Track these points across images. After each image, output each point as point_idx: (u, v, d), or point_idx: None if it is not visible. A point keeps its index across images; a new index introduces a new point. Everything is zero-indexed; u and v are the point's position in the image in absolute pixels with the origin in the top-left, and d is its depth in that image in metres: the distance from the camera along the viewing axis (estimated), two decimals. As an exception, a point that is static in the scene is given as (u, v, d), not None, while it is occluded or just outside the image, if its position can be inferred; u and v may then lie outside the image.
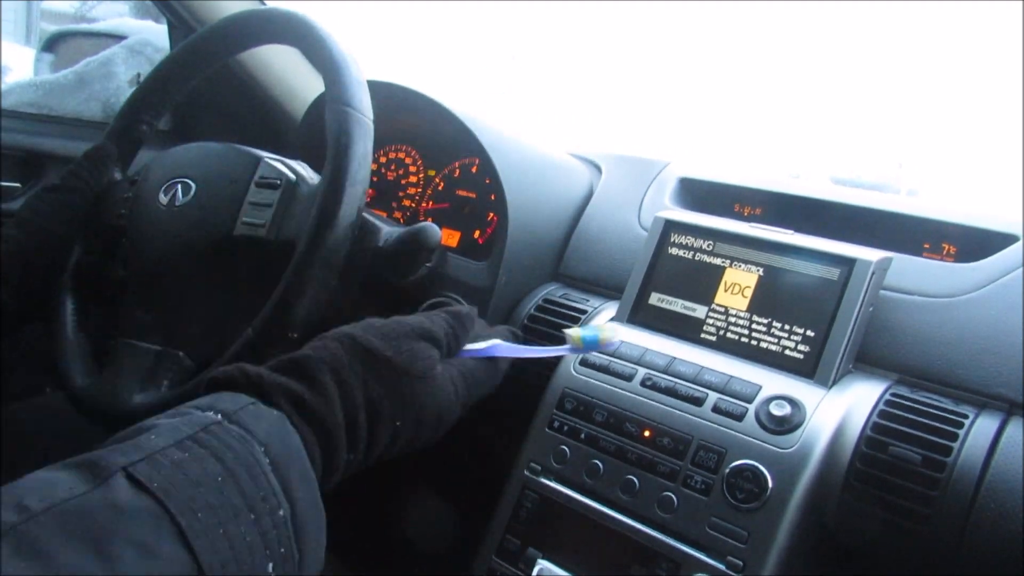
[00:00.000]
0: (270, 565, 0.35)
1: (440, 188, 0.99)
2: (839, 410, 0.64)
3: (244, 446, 0.36)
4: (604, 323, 0.61)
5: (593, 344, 0.61)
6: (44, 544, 0.28)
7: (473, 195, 0.96)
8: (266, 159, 0.68)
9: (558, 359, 0.76)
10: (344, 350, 0.46)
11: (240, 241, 0.66)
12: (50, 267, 0.74)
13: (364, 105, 0.64)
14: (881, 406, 0.64)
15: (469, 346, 0.56)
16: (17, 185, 1.05)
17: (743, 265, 0.73)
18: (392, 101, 0.92)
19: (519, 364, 0.82)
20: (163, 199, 0.70)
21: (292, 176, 0.67)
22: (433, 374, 0.50)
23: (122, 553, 0.29)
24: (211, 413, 0.37)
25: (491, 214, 0.94)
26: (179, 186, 0.69)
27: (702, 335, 0.74)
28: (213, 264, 0.69)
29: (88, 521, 0.29)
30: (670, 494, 0.65)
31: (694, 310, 0.75)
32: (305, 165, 0.71)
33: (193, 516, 0.32)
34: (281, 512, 0.36)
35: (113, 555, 0.29)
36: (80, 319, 0.75)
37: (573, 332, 0.61)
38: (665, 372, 0.70)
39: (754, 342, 0.71)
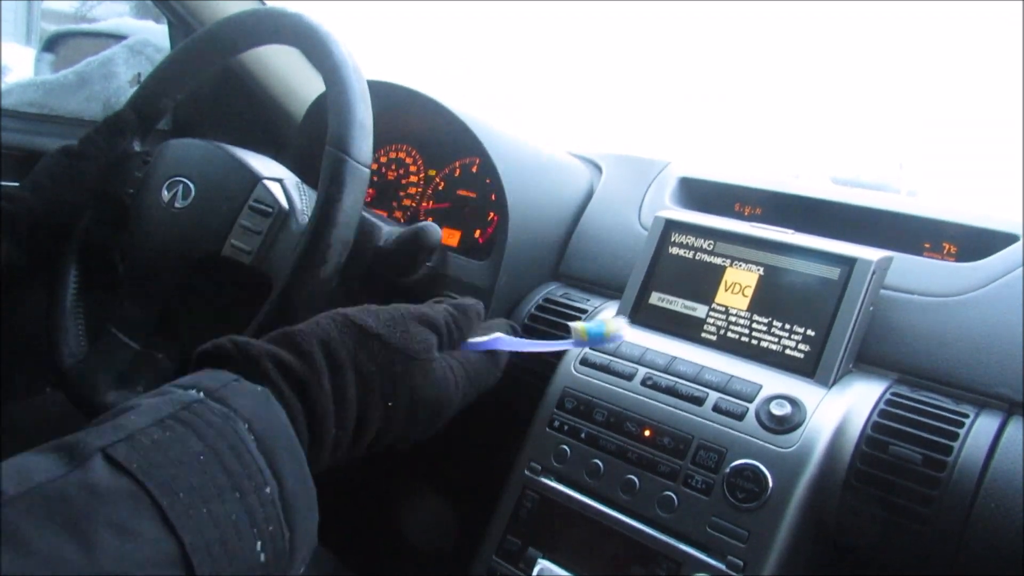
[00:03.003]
0: (259, 544, 0.34)
1: (440, 188, 1.00)
2: (839, 410, 0.64)
3: (227, 423, 0.35)
4: (609, 316, 0.59)
5: (599, 338, 0.58)
6: (20, 529, 0.27)
7: (473, 195, 0.96)
8: (264, 182, 0.67)
9: (559, 355, 0.77)
10: (336, 326, 0.45)
11: (226, 262, 0.66)
12: (58, 231, 0.74)
13: (362, 153, 0.63)
14: (881, 405, 0.64)
15: (470, 339, 0.55)
16: (17, 185, 1.05)
17: (743, 265, 0.73)
18: (392, 101, 0.92)
19: (519, 360, 0.82)
20: (165, 195, 0.70)
21: (285, 206, 0.66)
22: (429, 357, 0.48)
23: (101, 536, 0.28)
24: (193, 391, 0.36)
25: (491, 214, 0.94)
26: (180, 188, 0.70)
27: (702, 334, 0.74)
28: (200, 277, 0.69)
29: (65, 504, 0.29)
30: (670, 494, 0.65)
31: (694, 309, 0.75)
32: (304, 188, 0.70)
33: (174, 496, 0.31)
34: (268, 489, 0.35)
35: (92, 538, 0.28)
36: (81, 289, 0.75)
37: (578, 325, 0.58)
38: (665, 371, 0.70)
39: (754, 341, 0.71)
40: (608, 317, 0.58)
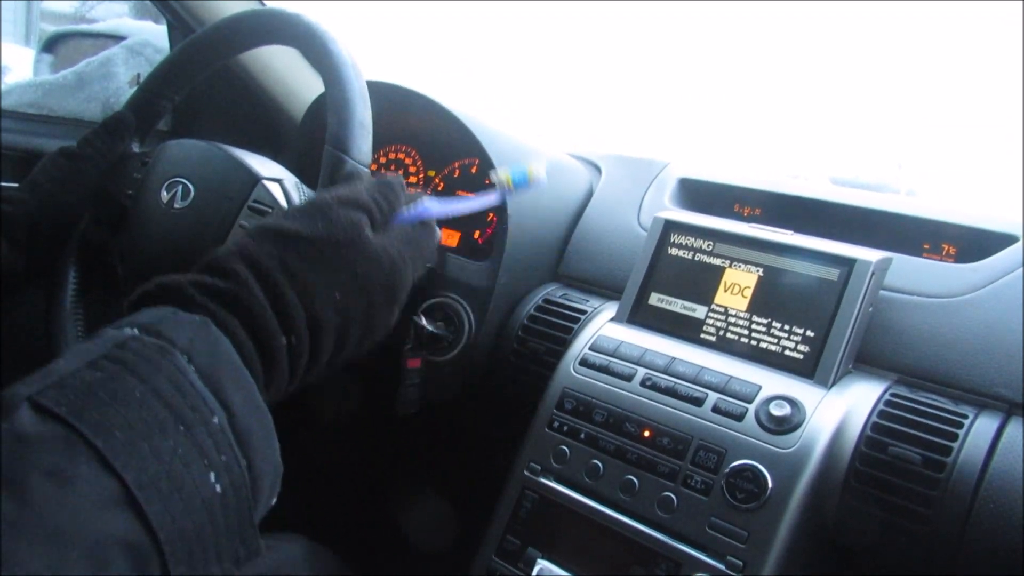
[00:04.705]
0: (212, 474, 0.33)
1: (440, 188, 1.00)
2: (839, 410, 0.64)
3: (164, 356, 0.34)
4: (531, 162, 0.57)
5: (523, 182, 0.57)
6: None
7: (473, 195, 0.96)
8: (263, 182, 0.67)
9: (559, 355, 0.77)
10: (252, 237, 0.43)
11: None
12: (56, 233, 0.74)
13: (361, 153, 0.62)
14: (881, 406, 0.64)
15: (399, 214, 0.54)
16: (17, 185, 1.05)
17: (743, 265, 0.74)
18: (392, 101, 0.92)
19: (518, 360, 0.82)
20: (164, 196, 0.70)
21: (285, 207, 0.66)
22: (362, 238, 0.46)
23: (35, 484, 0.27)
24: (127, 329, 0.35)
25: (491, 214, 0.94)
26: (180, 188, 0.70)
27: (702, 335, 0.74)
28: None
29: None
30: (670, 494, 0.65)
31: (694, 310, 0.75)
32: (303, 188, 0.70)
33: (110, 435, 0.30)
34: (216, 419, 0.34)
35: (25, 487, 0.27)
36: (80, 290, 0.75)
37: (500, 173, 0.57)
38: (665, 372, 0.70)
39: (754, 342, 0.71)
40: (531, 162, 0.57)
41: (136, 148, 0.79)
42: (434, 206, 0.54)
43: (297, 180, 0.71)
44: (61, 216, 0.74)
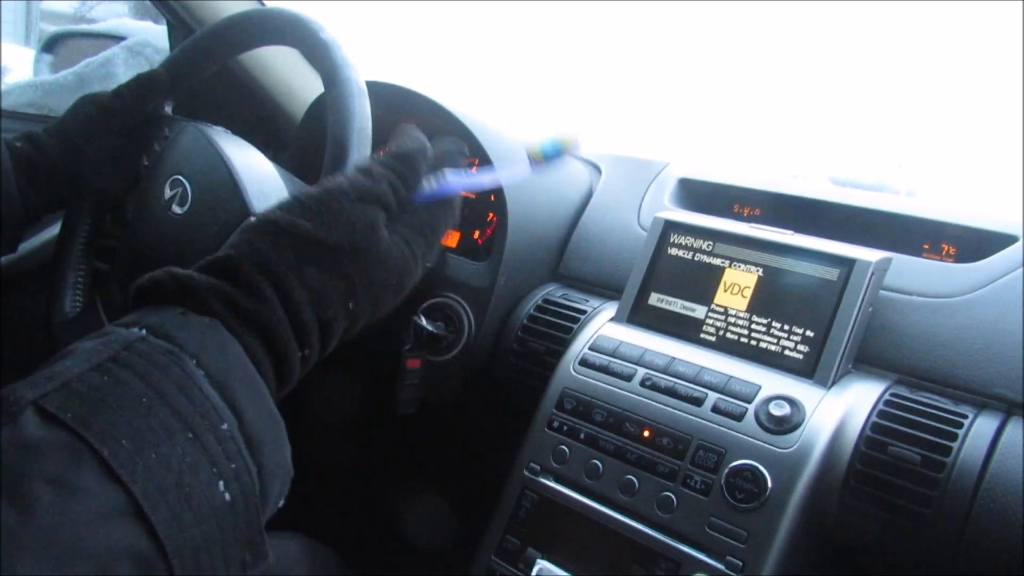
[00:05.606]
0: (221, 483, 0.32)
1: (440, 188, 0.99)
2: (838, 410, 0.64)
3: (173, 360, 0.33)
4: (562, 129, 0.50)
5: (555, 152, 0.49)
6: None
7: (472, 195, 0.96)
8: (252, 218, 0.66)
9: (562, 351, 0.77)
10: (268, 242, 0.40)
11: None
12: (74, 181, 0.73)
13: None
14: (880, 406, 0.64)
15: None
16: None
17: (743, 265, 0.74)
18: (392, 101, 0.92)
19: (518, 360, 0.82)
20: (167, 193, 0.69)
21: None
22: (377, 240, 0.43)
23: (38, 494, 0.27)
24: (135, 329, 0.34)
25: (491, 214, 0.94)
26: (180, 191, 0.69)
27: (702, 335, 0.74)
28: None
29: None
30: (670, 494, 0.65)
31: (694, 310, 0.75)
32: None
33: (116, 444, 0.29)
34: (225, 426, 0.33)
35: (28, 498, 0.26)
36: (87, 245, 0.75)
37: (531, 145, 0.50)
38: (665, 372, 0.70)
39: (754, 342, 0.71)
40: (561, 129, 0.50)
41: (168, 109, 0.75)
42: (456, 181, 0.49)
43: None
44: (81, 165, 0.72)
